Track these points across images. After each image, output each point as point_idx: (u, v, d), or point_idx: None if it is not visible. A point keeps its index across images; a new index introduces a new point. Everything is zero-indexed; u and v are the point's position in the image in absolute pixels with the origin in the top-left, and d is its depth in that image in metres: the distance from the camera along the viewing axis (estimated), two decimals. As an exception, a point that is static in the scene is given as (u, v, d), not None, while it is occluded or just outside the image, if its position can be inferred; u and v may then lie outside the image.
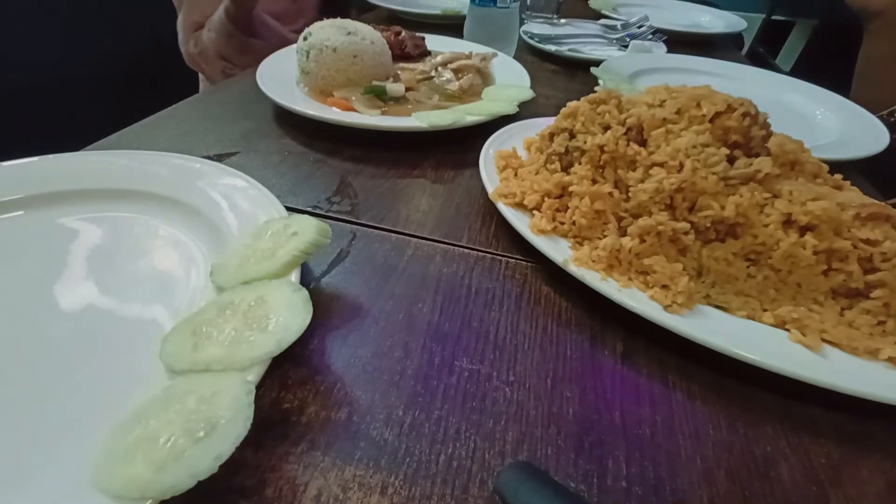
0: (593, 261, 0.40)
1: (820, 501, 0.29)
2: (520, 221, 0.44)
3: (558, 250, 0.41)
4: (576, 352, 0.36)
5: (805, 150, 0.47)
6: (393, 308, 0.39)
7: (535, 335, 0.38)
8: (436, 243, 0.46)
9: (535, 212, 0.45)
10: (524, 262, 0.45)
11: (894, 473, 0.30)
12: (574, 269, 0.39)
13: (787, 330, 0.37)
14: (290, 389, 0.32)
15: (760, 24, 2.35)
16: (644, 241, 0.40)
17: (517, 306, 0.40)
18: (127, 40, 1.29)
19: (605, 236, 0.42)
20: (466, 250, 0.46)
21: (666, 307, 0.37)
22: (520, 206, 0.46)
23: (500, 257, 0.45)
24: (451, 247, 0.46)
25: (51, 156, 0.47)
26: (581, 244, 0.43)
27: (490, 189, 0.48)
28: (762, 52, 2.15)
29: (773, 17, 2.38)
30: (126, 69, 1.21)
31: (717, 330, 0.35)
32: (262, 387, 0.30)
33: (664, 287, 0.38)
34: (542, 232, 0.43)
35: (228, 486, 0.27)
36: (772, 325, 0.37)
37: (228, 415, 0.25)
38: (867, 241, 0.38)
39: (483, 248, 0.46)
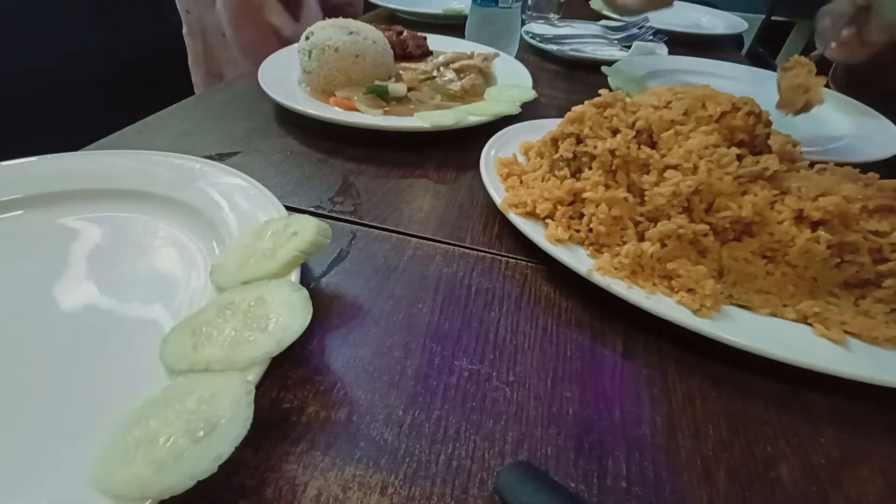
0: (616, 268, 0.40)
1: (820, 501, 0.29)
2: (534, 231, 0.43)
3: (577, 259, 0.41)
4: (576, 352, 0.36)
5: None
6: (393, 308, 0.39)
7: (535, 335, 0.38)
8: (436, 243, 0.46)
9: (547, 220, 0.44)
10: (524, 262, 0.45)
11: (894, 473, 0.30)
12: (599, 279, 0.39)
13: (810, 324, 0.37)
14: (290, 389, 0.32)
15: (760, 25, 2.35)
16: (665, 245, 0.40)
17: (517, 306, 0.40)
18: (128, 39, 1.29)
19: (623, 242, 0.41)
20: (466, 250, 0.46)
21: (695, 311, 0.37)
22: (531, 214, 0.45)
23: (500, 257, 0.45)
24: (451, 247, 0.46)
25: (51, 156, 0.47)
26: (600, 251, 0.42)
27: (496, 198, 0.47)
28: (762, 53, 2.15)
29: (773, 18, 2.38)
30: (127, 68, 1.21)
31: (753, 333, 0.35)
32: (261, 387, 0.30)
33: (690, 291, 0.38)
34: (559, 241, 0.42)
35: (228, 486, 0.27)
36: (794, 321, 0.38)
37: (228, 415, 0.25)
38: (876, 233, 0.39)
39: (486, 249, 0.46)
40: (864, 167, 0.59)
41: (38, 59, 1.14)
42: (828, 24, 0.70)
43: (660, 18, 1.20)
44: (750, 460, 0.30)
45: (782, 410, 0.34)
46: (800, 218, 0.40)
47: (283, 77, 0.71)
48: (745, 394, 0.34)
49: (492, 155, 0.53)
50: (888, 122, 0.73)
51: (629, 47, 1.05)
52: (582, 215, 0.44)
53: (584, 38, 1.08)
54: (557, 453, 0.30)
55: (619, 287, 0.38)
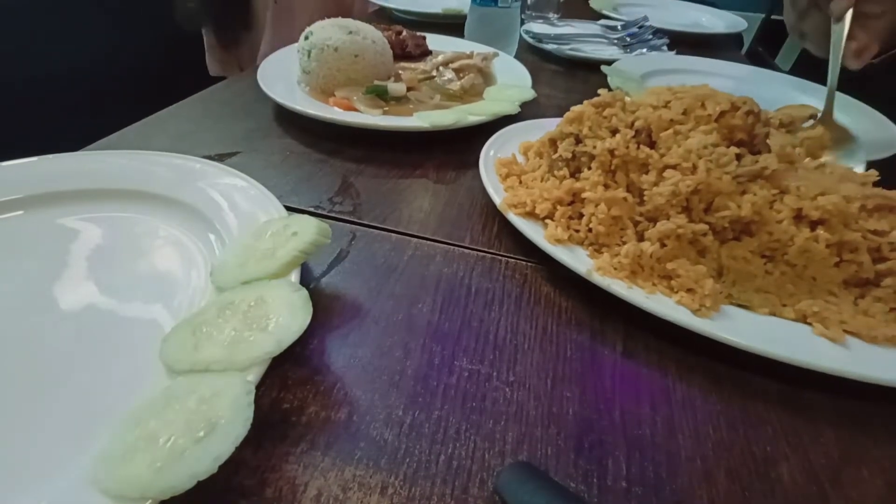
0: (615, 268, 0.39)
1: (820, 501, 0.29)
2: (534, 231, 0.43)
3: (577, 259, 0.40)
4: (576, 352, 0.36)
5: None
6: (393, 308, 0.39)
7: (535, 335, 0.38)
8: (436, 243, 0.46)
9: (547, 220, 0.44)
10: (524, 262, 0.45)
11: (894, 473, 0.30)
12: (599, 279, 0.39)
13: (809, 324, 0.37)
14: (290, 389, 0.32)
15: (760, 24, 2.35)
16: (664, 245, 0.39)
17: (517, 306, 0.40)
18: (129, 38, 1.29)
19: (623, 242, 0.41)
20: (466, 250, 0.46)
21: (695, 311, 0.37)
22: (530, 214, 0.45)
23: (500, 257, 0.45)
24: (451, 247, 0.46)
25: (51, 156, 0.47)
26: (599, 251, 0.42)
27: (496, 198, 0.47)
28: (761, 52, 2.14)
29: (773, 17, 2.38)
30: (127, 68, 1.21)
31: (752, 332, 0.35)
32: (261, 387, 0.30)
33: (689, 291, 0.38)
34: (559, 241, 0.42)
35: (228, 486, 0.27)
36: (793, 320, 0.38)
37: (228, 415, 0.25)
38: (875, 232, 0.39)
39: (485, 249, 0.46)
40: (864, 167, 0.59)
41: (39, 58, 1.13)
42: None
43: (660, 18, 1.20)
44: (750, 460, 0.30)
45: (782, 410, 0.34)
46: (799, 217, 0.40)
47: (283, 77, 0.71)
48: (745, 394, 0.34)
49: (491, 155, 0.53)
50: (888, 122, 0.73)
51: (629, 46, 1.06)
52: (581, 215, 0.43)
53: (583, 38, 1.08)
54: (557, 453, 0.30)
55: (619, 287, 0.38)
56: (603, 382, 0.34)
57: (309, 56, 0.68)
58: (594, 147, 0.44)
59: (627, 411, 0.32)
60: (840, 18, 0.61)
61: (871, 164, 0.60)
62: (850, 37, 0.61)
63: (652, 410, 0.33)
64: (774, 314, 0.38)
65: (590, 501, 0.27)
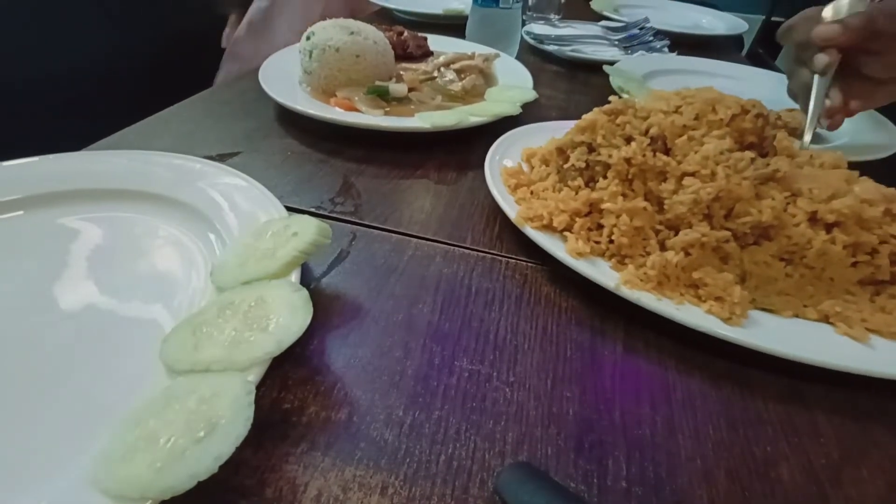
0: (641, 280, 0.39)
1: (820, 501, 0.29)
2: (554, 245, 0.41)
3: (601, 272, 0.39)
4: (576, 352, 0.36)
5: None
6: (393, 308, 0.39)
7: (535, 335, 0.38)
8: (436, 243, 0.46)
9: (566, 233, 0.43)
10: (524, 263, 0.45)
11: (894, 473, 0.30)
12: (628, 293, 0.38)
13: (832, 324, 0.37)
14: (291, 390, 0.32)
15: (760, 26, 2.35)
16: (689, 254, 0.39)
17: (517, 306, 0.40)
18: (129, 38, 1.29)
19: (646, 253, 0.41)
20: (467, 250, 0.46)
21: (725, 320, 0.36)
22: (547, 227, 0.44)
23: (500, 257, 0.45)
24: (452, 247, 0.46)
25: (51, 156, 0.47)
26: (622, 263, 0.41)
27: (510, 212, 0.45)
28: (762, 54, 2.14)
29: (773, 18, 2.38)
30: (127, 68, 1.21)
31: (786, 339, 0.36)
32: (262, 387, 0.30)
33: (718, 299, 0.37)
34: (581, 255, 0.41)
35: (228, 486, 0.27)
36: (816, 321, 0.38)
37: (228, 415, 0.25)
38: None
39: (486, 250, 0.46)
40: (865, 167, 0.59)
41: (39, 58, 1.13)
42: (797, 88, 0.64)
43: (660, 19, 1.20)
44: (750, 460, 0.30)
45: (782, 410, 0.34)
46: (813, 220, 0.40)
47: (284, 77, 0.71)
48: (745, 393, 0.34)
49: (497, 160, 0.52)
50: (888, 122, 0.73)
51: (630, 48, 1.06)
52: (600, 226, 0.43)
53: (584, 39, 1.08)
54: (557, 453, 0.30)
55: (649, 300, 0.37)
56: (603, 382, 0.34)
57: (310, 56, 0.68)
58: (609, 156, 0.44)
59: (627, 411, 0.32)
60: (823, 72, 0.59)
61: (871, 164, 0.60)
62: (827, 95, 0.60)
63: (652, 410, 0.33)
64: (798, 316, 0.38)
65: (590, 501, 0.27)
